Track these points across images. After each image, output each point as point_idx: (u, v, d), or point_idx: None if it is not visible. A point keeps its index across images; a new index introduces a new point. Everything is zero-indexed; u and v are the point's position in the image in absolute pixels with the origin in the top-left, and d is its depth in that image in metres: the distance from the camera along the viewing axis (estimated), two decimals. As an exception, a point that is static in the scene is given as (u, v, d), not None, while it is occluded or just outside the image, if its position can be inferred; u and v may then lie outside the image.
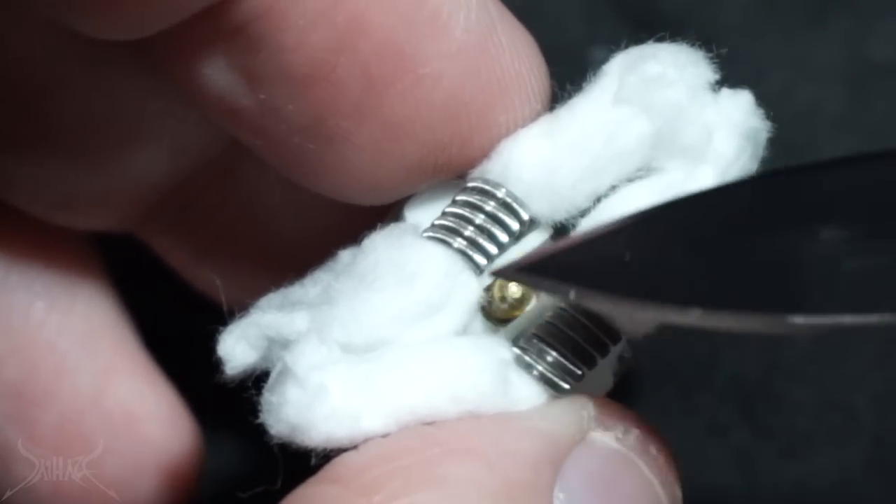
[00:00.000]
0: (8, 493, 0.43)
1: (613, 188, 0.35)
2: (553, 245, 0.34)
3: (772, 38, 0.54)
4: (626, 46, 0.36)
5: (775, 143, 0.53)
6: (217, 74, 0.35)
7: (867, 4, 0.54)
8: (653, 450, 0.34)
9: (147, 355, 0.45)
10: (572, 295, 0.32)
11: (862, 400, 0.50)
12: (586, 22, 0.52)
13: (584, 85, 0.36)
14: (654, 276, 0.32)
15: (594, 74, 0.36)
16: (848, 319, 0.31)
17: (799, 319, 0.31)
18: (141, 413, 0.44)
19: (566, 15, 0.52)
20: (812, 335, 0.31)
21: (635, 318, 0.35)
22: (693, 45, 0.36)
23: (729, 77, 0.53)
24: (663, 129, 0.35)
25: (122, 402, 0.44)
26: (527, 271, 0.33)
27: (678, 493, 0.35)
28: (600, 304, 0.33)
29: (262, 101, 0.35)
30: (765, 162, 0.54)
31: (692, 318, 0.31)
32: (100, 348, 0.44)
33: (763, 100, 0.53)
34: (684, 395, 0.50)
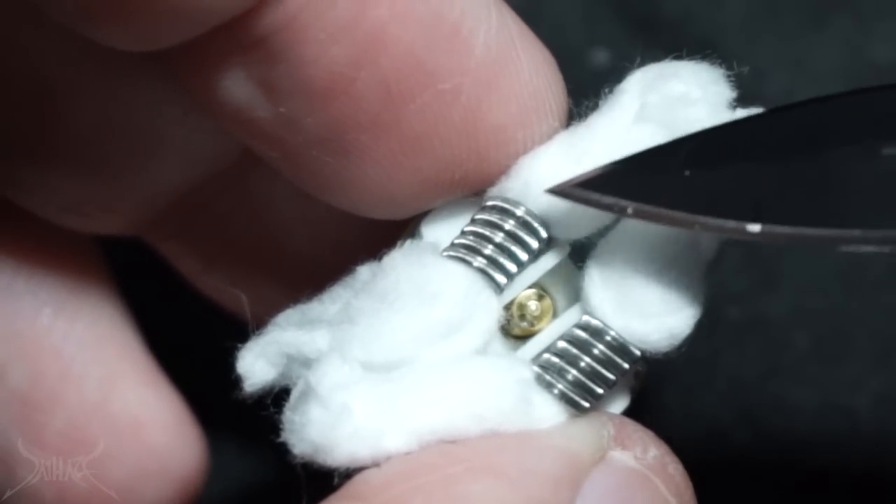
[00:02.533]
0: (8, 493, 0.43)
1: None
2: (610, 162, 0.34)
3: (772, 40, 0.54)
4: (641, 61, 0.36)
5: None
6: (235, 86, 0.35)
7: (867, 6, 0.54)
8: (671, 469, 0.35)
9: (153, 361, 0.45)
10: (630, 210, 0.32)
11: (862, 401, 0.50)
12: (586, 23, 0.52)
13: (599, 102, 0.36)
14: (713, 191, 0.32)
15: (609, 90, 0.36)
16: None
17: (858, 233, 0.31)
18: (146, 419, 0.44)
19: (566, 16, 0.52)
20: (872, 252, 0.30)
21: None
22: (715, 63, 0.36)
23: (729, 76, 0.53)
24: None
25: (128, 409, 0.44)
26: (584, 187, 0.33)
27: None
28: (658, 219, 0.33)
29: (280, 113, 0.35)
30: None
31: (753, 232, 0.31)
32: (106, 354, 0.44)
33: (763, 100, 0.53)
34: (684, 396, 0.51)
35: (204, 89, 0.35)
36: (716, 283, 0.52)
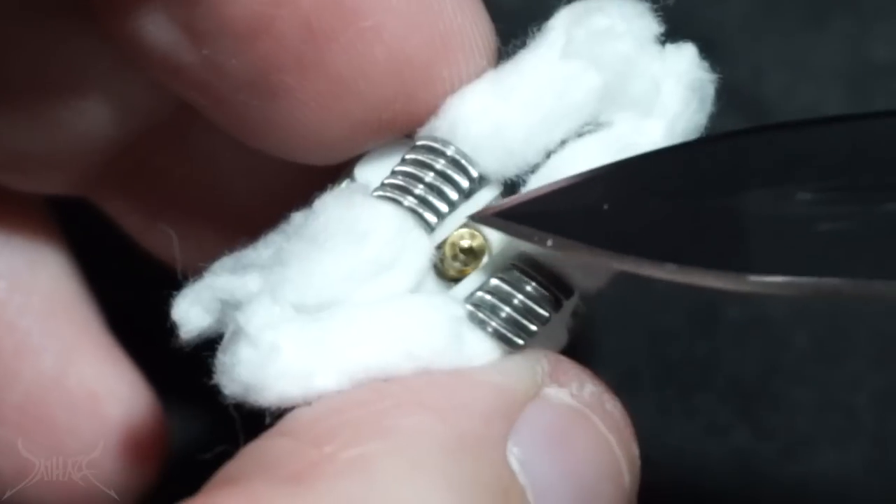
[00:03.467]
0: (8, 493, 0.43)
1: (563, 143, 0.35)
2: (530, 192, 0.34)
3: (772, 39, 0.54)
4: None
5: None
6: (158, 31, 0.34)
7: (867, 5, 0.54)
8: (608, 406, 0.34)
9: (108, 333, 0.45)
10: (550, 243, 0.32)
11: (862, 400, 0.50)
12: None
13: (527, 41, 0.36)
14: (631, 228, 0.32)
15: (537, 29, 0.36)
16: (818, 282, 0.31)
17: (772, 279, 0.31)
18: (103, 392, 0.44)
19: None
20: (787, 297, 0.31)
21: (595, 270, 0.35)
22: (716, 63, 0.36)
23: (729, 77, 0.53)
24: (612, 83, 0.35)
25: (85, 382, 0.44)
26: (504, 217, 0.33)
27: (635, 451, 0.34)
28: (577, 254, 0.33)
29: (204, 56, 0.34)
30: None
31: (667, 272, 0.31)
32: (62, 327, 0.44)
33: (763, 99, 0.53)
34: (684, 395, 0.50)
35: (127, 36, 0.35)
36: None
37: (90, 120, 0.40)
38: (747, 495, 0.50)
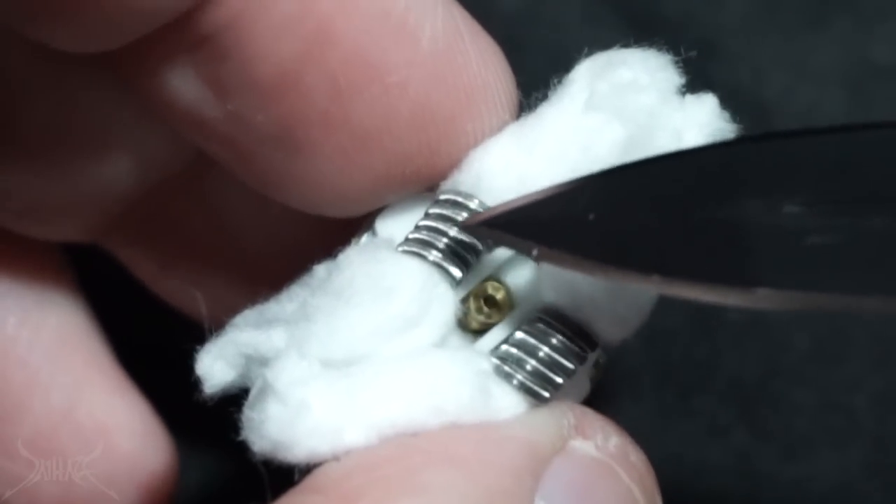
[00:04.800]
0: (8, 493, 0.43)
1: None
2: (517, 199, 0.34)
3: (772, 40, 0.54)
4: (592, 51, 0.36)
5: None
6: (184, 86, 0.35)
7: (867, 6, 0.54)
8: (632, 458, 0.34)
9: (119, 368, 0.45)
10: (535, 252, 0.33)
11: (862, 401, 0.50)
12: (586, 24, 0.52)
13: (548, 93, 0.36)
14: (616, 238, 0.32)
15: (557, 81, 0.36)
16: (807, 296, 0.31)
17: (757, 292, 0.31)
18: (113, 426, 0.44)
19: (566, 16, 0.52)
20: (775, 309, 0.31)
21: (621, 320, 0.35)
22: (660, 49, 0.36)
23: (729, 78, 0.53)
24: (636, 135, 0.35)
25: (95, 416, 0.44)
26: (490, 225, 0.33)
27: (658, 501, 0.35)
28: (562, 263, 0.33)
29: (229, 111, 0.35)
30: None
31: (652, 283, 0.31)
32: (71, 362, 0.44)
33: (763, 101, 0.53)
34: (684, 396, 0.50)
35: (152, 90, 0.35)
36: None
37: (108, 170, 0.40)
38: (747, 495, 0.50)
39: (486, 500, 0.32)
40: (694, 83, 0.53)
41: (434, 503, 0.31)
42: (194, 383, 0.35)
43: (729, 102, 0.52)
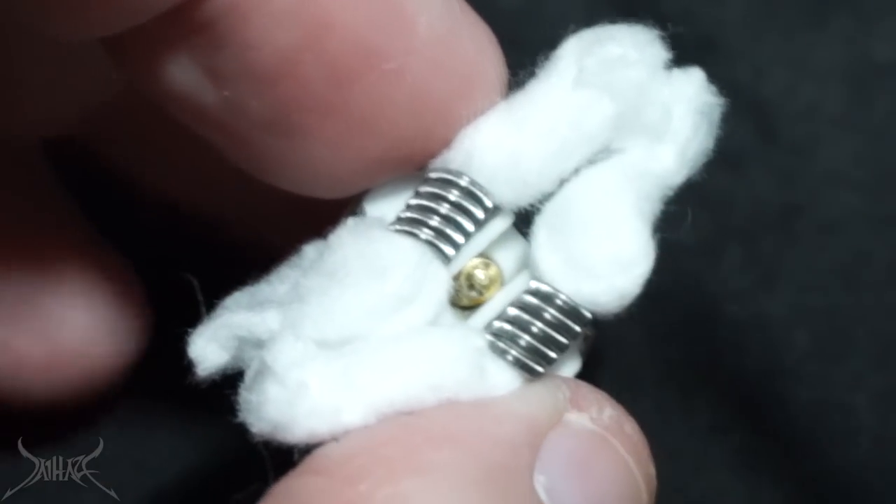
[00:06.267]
0: (8, 493, 0.43)
1: (576, 171, 0.35)
2: None
3: (772, 38, 0.54)
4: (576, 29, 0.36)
5: (776, 144, 0.53)
6: (181, 73, 0.35)
7: (868, 4, 0.54)
8: (627, 429, 0.35)
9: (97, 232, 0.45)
10: None
11: (862, 400, 0.50)
12: (588, 23, 0.52)
13: (536, 70, 0.36)
14: None
15: (545, 58, 0.36)
16: None
17: None
18: (97, 287, 0.44)
19: (567, 16, 0.52)
20: None
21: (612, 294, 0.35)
22: (648, 24, 0.36)
23: (729, 77, 0.53)
24: (626, 110, 0.35)
25: (81, 276, 0.44)
26: None
27: (652, 470, 0.35)
28: None
29: (225, 98, 0.35)
30: (758, 148, 0.54)
31: None
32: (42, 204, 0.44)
33: (763, 98, 0.53)
34: (685, 394, 0.51)
35: (149, 76, 0.35)
36: (716, 283, 0.52)
37: (80, 64, 0.40)
38: (747, 495, 0.50)
39: (487, 476, 0.32)
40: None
41: (436, 481, 0.31)
42: (187, 366, 0.35)
43: (729, 100, 0.52)
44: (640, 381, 0.50)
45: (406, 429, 0.32)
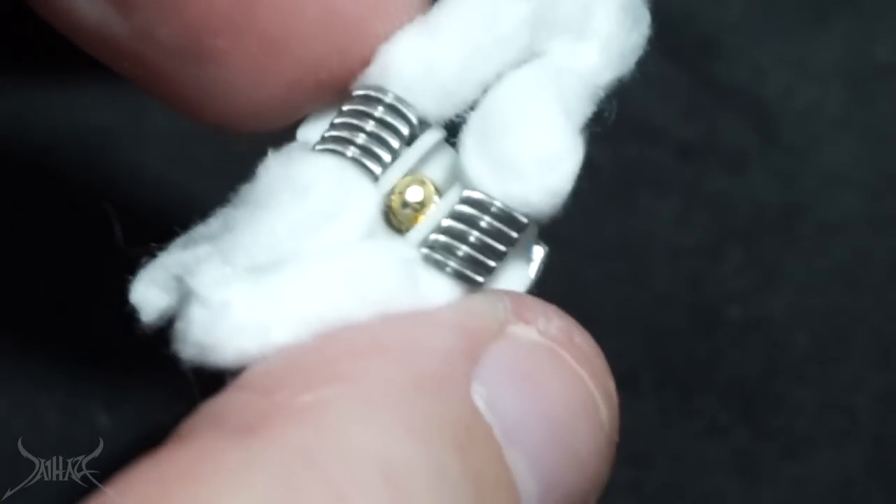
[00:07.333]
0: (8, 493, 0.43)
1: (499, 76, 0.35)
2: None
3: (772, 38, 0.54)
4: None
5: (776, 144, 0.53)
6: (86, 3, 0.34)
7: (868, 5, 0.54)
8: (577, 339, 0.33)
9: None
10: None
11: (862, 400, 0.50)
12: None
13: None
14: None
15: None
16: None
17: None
18: None
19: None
20: None
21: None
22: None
23: (729, 77, 0.53)
24: (540, 8, 0.35)
25: None
26: None
27: (610, 384, 0.34)
28: None
29: (134, 26, 0.34)
30: (758, 149, 0.54)
31: None
32: None
33: (764, 99, 0.53)
34: (684, 395, 0.50)
35: (56, 9, 0.35)
36: (716, 283, 0.52)
37: None
38: (747, 495, 0.50)
39: (414, 384, 0.30)
40: (694, 81, 0.53)
41: (357, 389, 0.30)
42: (131, 315, 0.34)
43: (729, 101, 0.52)
44: (640, 382, 0.50)
45: (331, 340, 0.31)
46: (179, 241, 0.35)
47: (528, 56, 0.35)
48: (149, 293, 0.34)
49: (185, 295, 0.32)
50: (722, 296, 0.51)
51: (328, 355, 0.31)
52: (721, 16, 0.53)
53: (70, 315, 0.50)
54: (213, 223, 0.35)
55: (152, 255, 0.34)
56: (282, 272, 0.32)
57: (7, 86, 0.54)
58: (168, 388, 0.47)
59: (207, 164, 0.52)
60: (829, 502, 0.50)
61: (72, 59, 0.40)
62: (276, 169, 0.34)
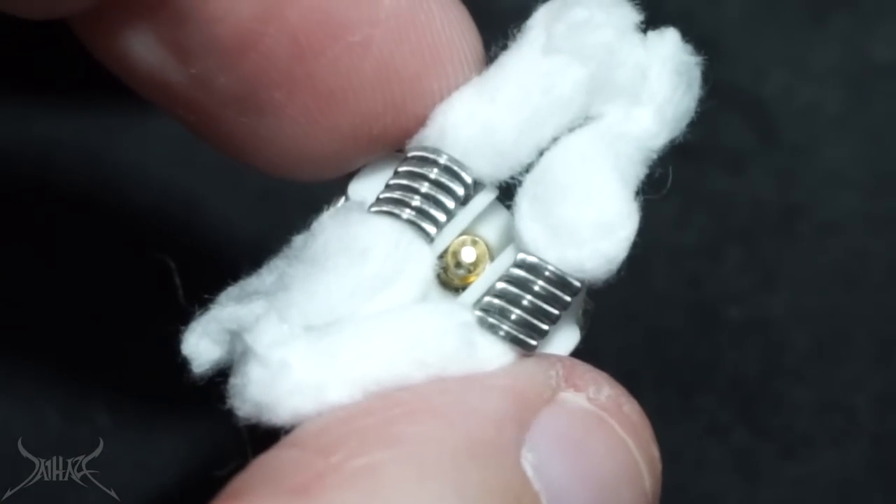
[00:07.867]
0: (8, 493, 0.43)
1: (555, 140, 0.35)
2: None
3: (772, 38, 0.54)
4: None
5: (776, 144, 0.53)
6: (145, 50, 0.34)
7: (867, 5, 0.54)
8: (626, 409, 0.33)
9: None
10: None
11: (862, 400, 0.50)
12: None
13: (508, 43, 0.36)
14: None
15: (516, 30, 0.36)
16: None
17: None
18: None
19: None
20: None
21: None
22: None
23: (729, 77, 0.53)
24: (597, 73, 0.35)
25: None
26: None
27: (655, 453, 0.34)
28: None
29: (192, 74, 0.34)
30: (758, 149, 0.54)
31: None
32: None
33: (763, 99, 0.53)
34: (684, 395, 0.50)
35: (113, 55, 0.35)
36: (716, 283, 0.52)
37: None
38: (747, 495, 0.50)
39: (467, 450, 0.31)
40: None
41: (412, 453, 0.30)
42: (182, 365, 0.35)
43: (729, 101, 0.52)
44: (640, 382, 0.50)
45: (385, 402, 0.32)
46: (231, 291, 0.35)
47: (583, 119, 0.35)
48: (201, 345, 0.34)
49: (241, 351, 0.33)
50: (722, 296, 0.51)
51: (383, 418, 0.31)
52: (721, 16, 0.53)
53: (70, 315, 0.50)
54: (267, 277, 0.35)
55: (204, 305, 0.35)
56: (339, 333, 0.33)
57: (8, 88, 0.54)
58: (168, 388, 0.47)
59: (209, 166, 0.52)
60: (828, 502, 0.50)
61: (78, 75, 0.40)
62: (333, 229, 0.34)
